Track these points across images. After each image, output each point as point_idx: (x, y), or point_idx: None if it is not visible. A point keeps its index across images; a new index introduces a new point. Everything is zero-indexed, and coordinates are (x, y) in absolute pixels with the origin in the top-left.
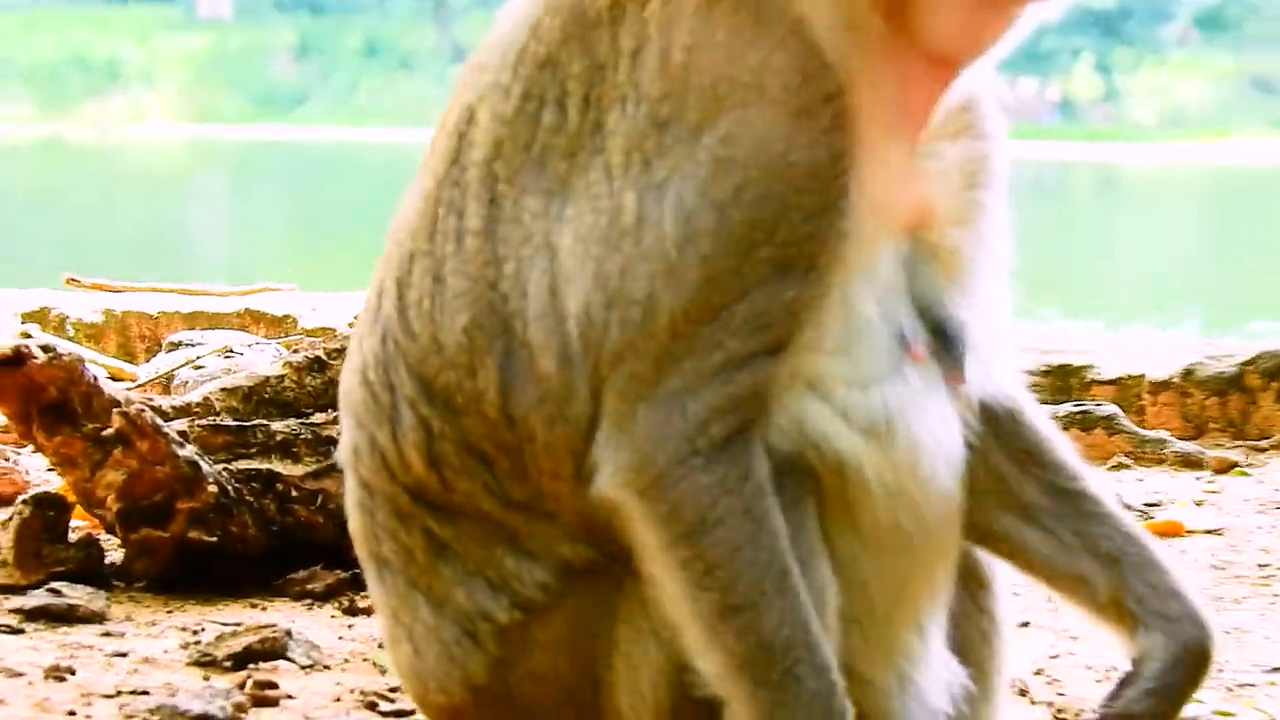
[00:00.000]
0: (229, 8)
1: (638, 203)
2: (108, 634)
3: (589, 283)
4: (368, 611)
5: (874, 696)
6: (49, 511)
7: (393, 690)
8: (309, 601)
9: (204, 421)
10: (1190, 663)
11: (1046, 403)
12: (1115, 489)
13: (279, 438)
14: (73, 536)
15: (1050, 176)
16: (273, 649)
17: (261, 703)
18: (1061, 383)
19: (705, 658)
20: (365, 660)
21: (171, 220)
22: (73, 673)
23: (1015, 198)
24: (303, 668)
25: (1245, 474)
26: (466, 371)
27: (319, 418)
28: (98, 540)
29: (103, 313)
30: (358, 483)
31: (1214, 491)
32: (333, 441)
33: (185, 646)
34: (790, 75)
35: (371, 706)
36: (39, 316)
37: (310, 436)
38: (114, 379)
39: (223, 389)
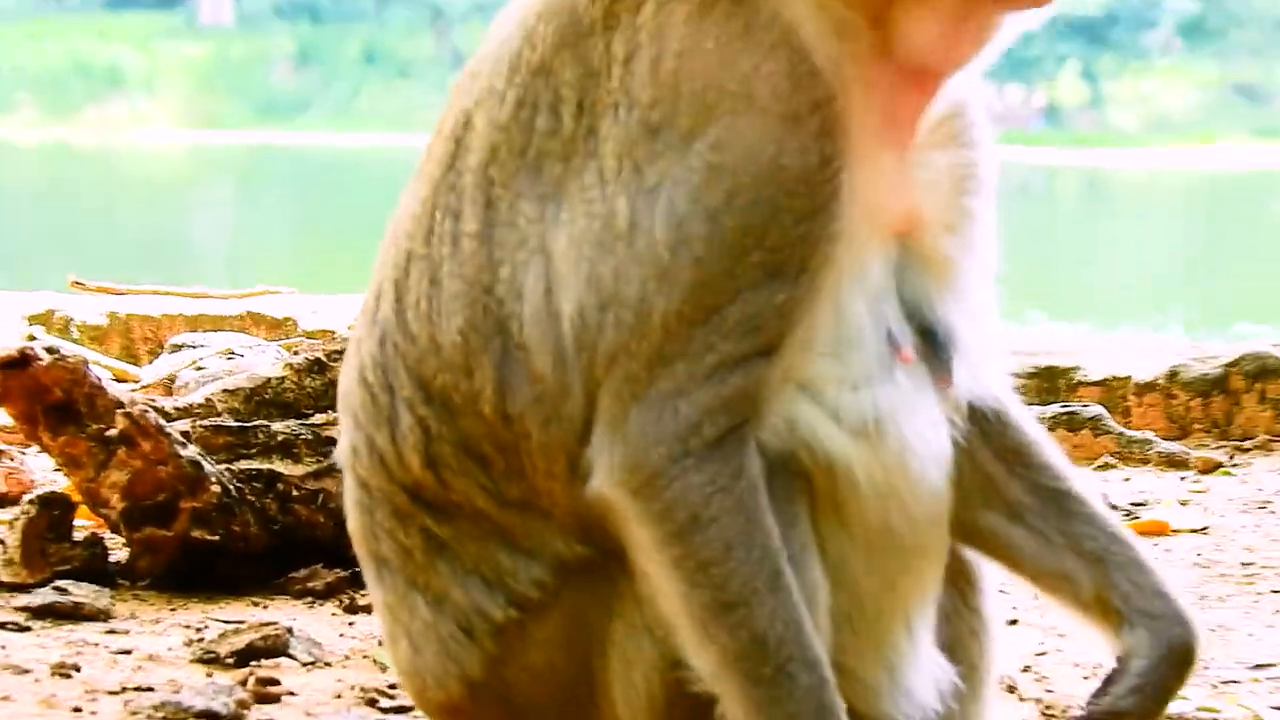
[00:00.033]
0: (230, 16)
1: (630, 207)
2: (112, 631)
3: (583, 285)
4: (367, 609)
5: (864, 693)
6: (54, 511)
7: (392, 687)
8: (310, 599)
9: (206, 422)
10: (1175, 660)
11: (1034, 404)
12: (1101, 489)
13: (280, 438)
14: (78, 535)
15: (1037, 181)
16: (274, 646)
17: (264, 699)
18: (1048, 384)
19: (698, 654)
20: (365, 657)
21: (174, 224)
22: (78, 670)
23: (1003, 202)
24: (304, 665)
25: (1229, 474)
26: (463, 372)
27: (319, 418)
28: (102, 539)
29: (106, 315)
30: (356, 482)
31: (1199, 491)
32: (333, 442)
33: (189, 644)
34: (780, 82)
35: (372, 703)
36: (44, 319)
37: (311, 437)
38: (118, 380)
39: (224, 390)
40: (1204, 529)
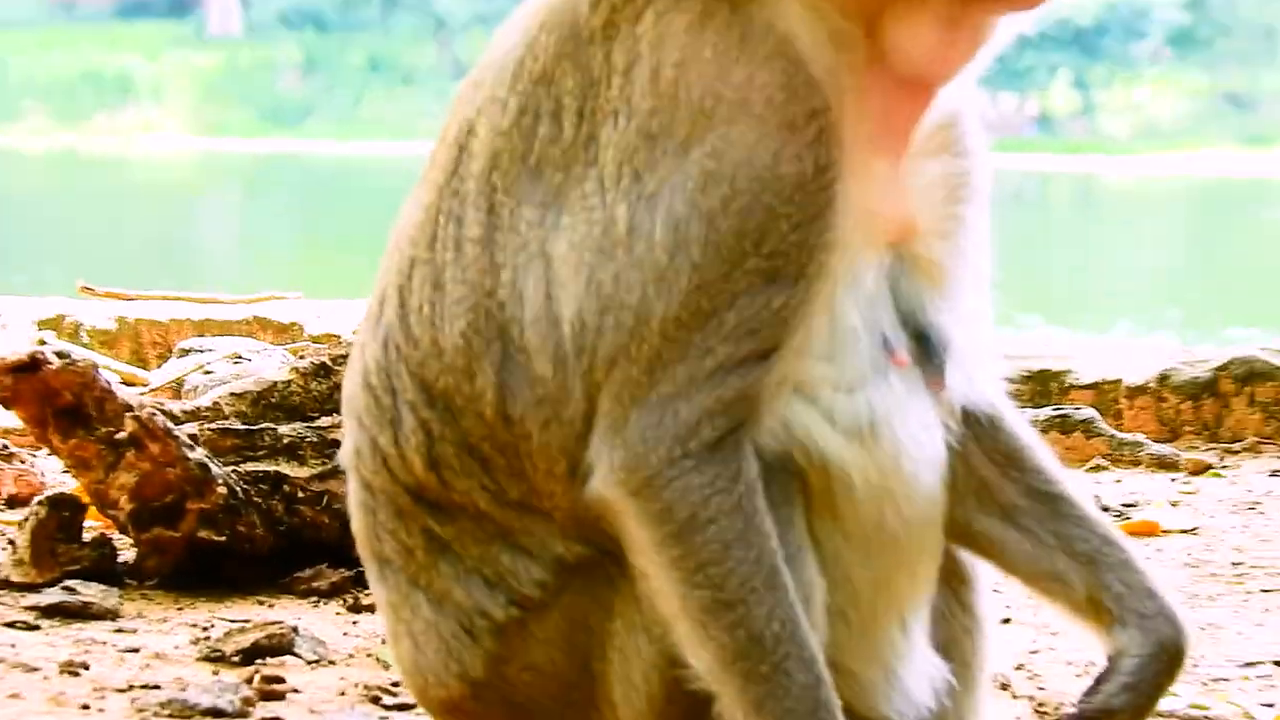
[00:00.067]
0: (238, 25)
1: (629, 213)
2: (120, 630)
3: (583, 290)
4: (371, 608)
5: (860, 691)
6: (64, 512)
7: (395, 685)
8: (314, 599)
9: (213, 425)
10: (1165, 658)
11: (1027, 407)
12: (1093, 490)
13: (286, 441)
14: (87, 536)
15: (1030, 188)
16: (280, 645)
17: (269, 697)
18: (1041, 387)
19: (697, 652)
20: (369, 656)
21: (182, 230)
22: (86, 668)
23: (996, 208)
24: (309, 663)
25: (1219, 475)
26: (465, 375)
27: (324, 421)
28: (111, 540)
29: (115, 320)
30: (360, 483)
31: (1189, 492)
32: (337, 444)
33: (195, 642)
34: (776, 91)
35: (375, 700)
36: (54, 324)
37: (316, 439)
38: (126, 384)
39: (231, 394)
40: (1194, 529)
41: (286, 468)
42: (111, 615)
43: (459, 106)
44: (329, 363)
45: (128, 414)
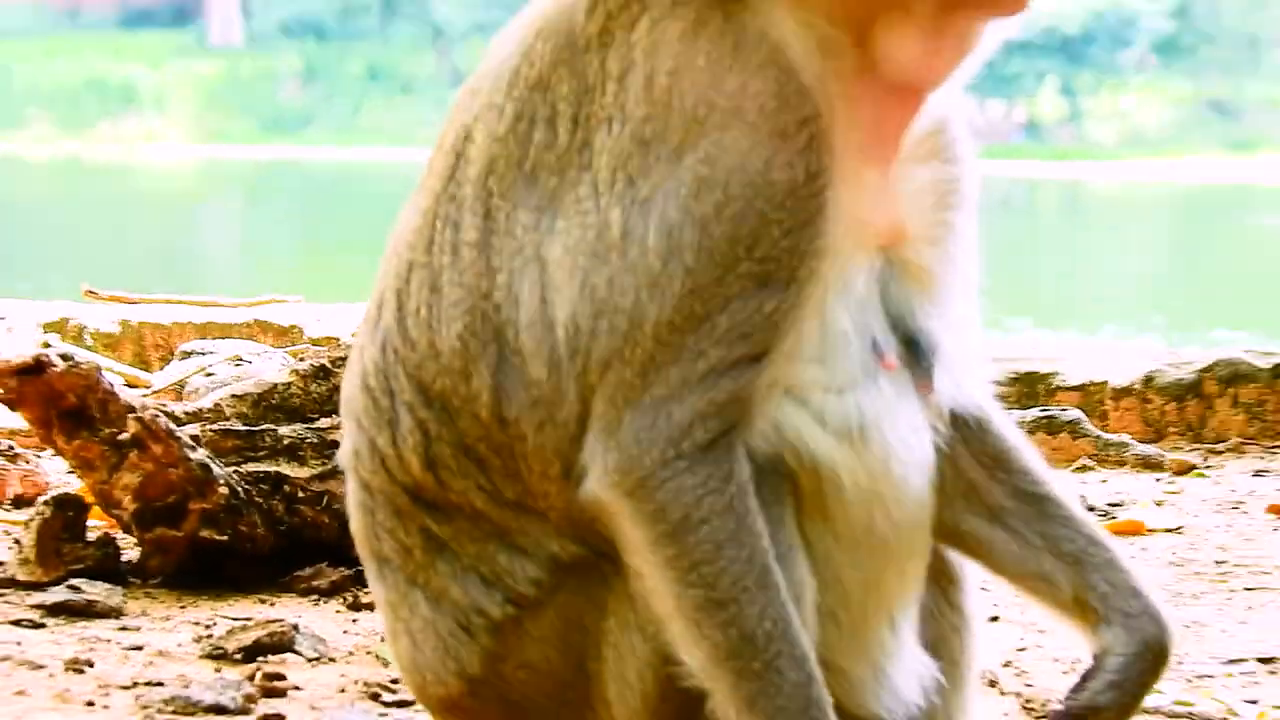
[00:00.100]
0: (240, 35)
1: (623, 218)
2: (124, 628)
3: (577, 293)
4: (370, 607)
5: (850, 688)
6: (68, 512)
7: (395, 682)
8: (315, 597)
9: (215, 426)
10: (1150, 656)
11: (1014, 408)
12: (1079, 490)
13: (286, 442)
14: (91, 535)
15: (1018, 193)
16: (281, 643)
17: (270, 694)
18: (1029, 389)
19: (690, 650)
20: (368, 653)
21: (184, 235)
22: (91, 665)
23: (984, 214)
24: (309, 660)
25: (1203, 475)
26: (462, 376)
27: (324, 423)
28: (115, 539)
29: (119, 323)
30: (359, 483)
31: (1173, 492)
32: (337, 445)
33: (198, 640)
34: (767, 99)
35: (375, 697)
36: (58, 327)
37: (316, 440)
38: (130, 386)
39: (233, 395)
40: (1178, 529)
41: (287, 468)
42: (115, 613)
43: (457, 113)
44: (328, 365)
45: (131, 415)
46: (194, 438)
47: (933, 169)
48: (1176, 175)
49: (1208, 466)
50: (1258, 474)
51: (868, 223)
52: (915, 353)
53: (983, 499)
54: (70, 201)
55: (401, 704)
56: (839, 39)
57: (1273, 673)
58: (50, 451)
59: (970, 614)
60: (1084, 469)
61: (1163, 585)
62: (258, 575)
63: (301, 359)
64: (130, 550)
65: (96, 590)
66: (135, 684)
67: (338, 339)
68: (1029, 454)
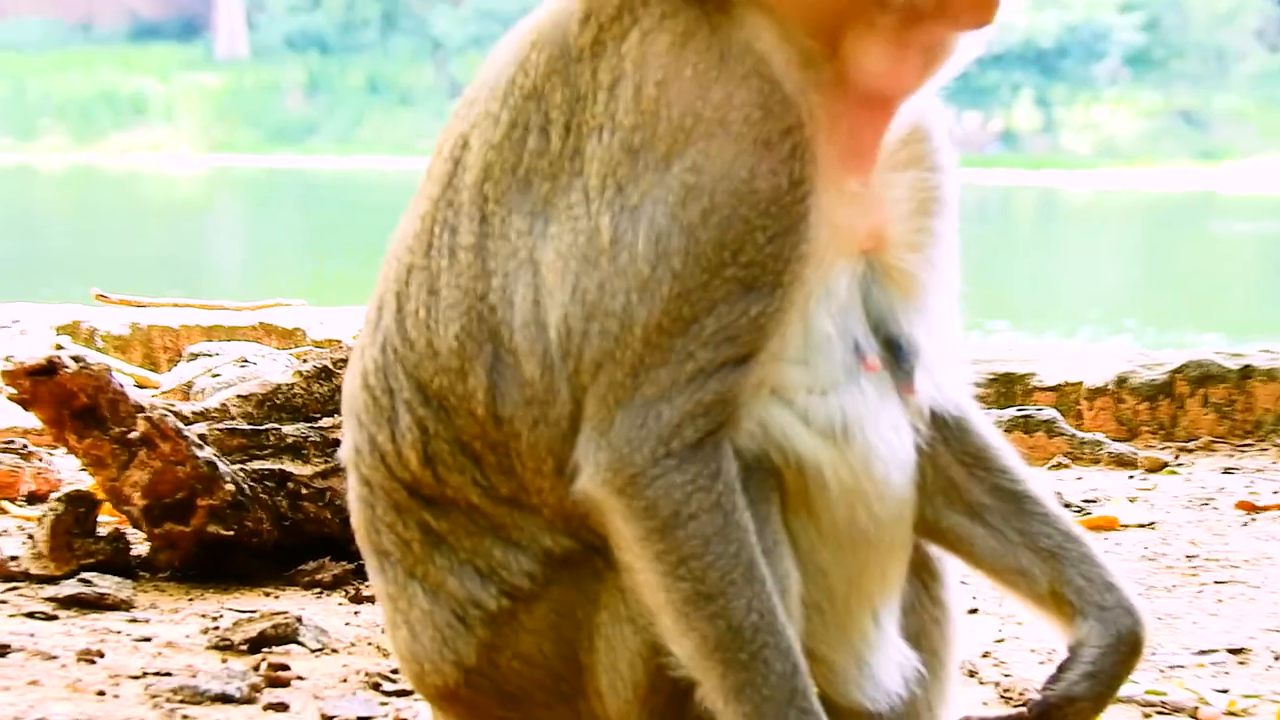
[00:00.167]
0: (245, 48)
1: (613, 224)
2: (134, 620)
3: (569, 296)
4: (371, 599)
5: (834, 678)
6: (80, 508)
7: (395, 672)
8: (318, 590)
9: (221, 425)
10: (1125, 648)
11: (992, 408)
12: (1055, 487)
13: (290, 440)
14: (102, 531)
15: (995, 201)
16: (285, 634)
17: (275, 683)
18: (1006, 389)
19: (679, 642)
20: (370, 644)
21: (191, 241)
22: (102, 656)
23: (963, 221)
24: (312, 651)
25: (1174, 473)
26: (458, 375)
27: (326, 422)
28: (124, 534)
29: (129, 326)
30: (359, 479)
31: (1146, 489)
32: (339, 444)
33: (205, 632)
34: (752, 110)
35: (375, 687)
36: (70, 329)
37: (318, 439)
38: (139, 387)
39: (238, 395)
40: (1151, 524)
41: (290, 466)
42: (125, 606)
43: (454, 122)
44: (330, 366)
45: (140, 415)
46: (201, 436)
47: (913, 176)
48: (1147, 183)
49: (1179, 464)
50: (1227, 471)
51: (849, 229)
52: (896, 355)
53: (962, 496)
54: (82, 209)
55: (402, 693)
56: (817, 50)
57: (1242, 663)
58: (63, 450)
59: (950, 607)
60: (1059, 467)
61: (1136, 579)
62: (263, 569)
63: (304, 360)
64: (140, 545)
65: (107, 583)
66: (144, 674)
67: (339, 341)
68: (1007, 453)
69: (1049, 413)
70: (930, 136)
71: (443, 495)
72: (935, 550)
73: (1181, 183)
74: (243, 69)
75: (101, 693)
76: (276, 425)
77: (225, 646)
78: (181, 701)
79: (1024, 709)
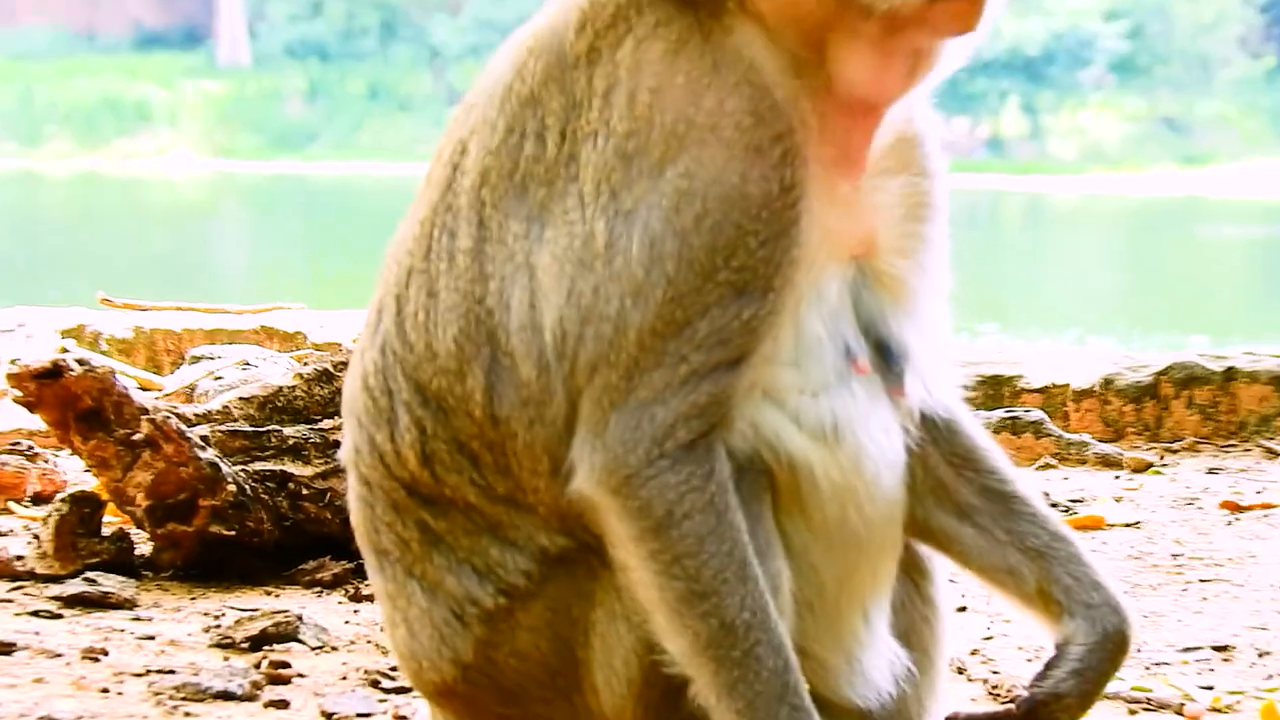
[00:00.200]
0: (247, 56)
1: (608, 229)
2: (137, 619)
3: (564, 300)
4: (371, 598)
5: (825, 675)
6: (84, 508)
7: (394, 669)
8: (318, 589)
9: (223, 427)
10: (1111, 646)
11: (980, 409)
12: (1042, 487)
13: (291, 442)
14: (106, 531)
15: (983, 206)
16: (286, 632)
17: (276, 680)
18: (994, 391)
19: (673, 639)
20: (369, 642)
21: (195, 246)
22: (106, 654)
23: (952, 225)
24: (313, 649)
25: (1160, 473)
26: (456, 377)
27: (327, 424)
28: (128, 534)
29: (133, 329)
30: (359, 479)
31: (1132, 489)
32: (339, 445)
33: (207, 630)
34: (743, 117)
35: (375, 684)
36: (75, 333)
37: (319, 440)
38: (143, 389)
39: (240, 398)
40: (1136, 524)
41: (291, 467)
42: (129, 605)
43: (453, 128)
44: (331, 369)
45: (144, 417)
46: (204, 438)
47: (904, 182)
48: (1132, 188)
49: (1164, 464)
50: (1211, 471)
51: (840, 233)
52: (887, 358)
53: (952, 496)
54: (87, 214)
55: (401, 690)
56: (806, 57)
57: (1226, 660)
58: (68, 451)
59: (940, 605)
60: (1047, 467)
61: (1122, 577)
62: (264, 568)
63: (305, 363)
64: (143, 545)
65: (111, 583)
66: (148, 671)
67: (339, 344)
68: (996, 454)
69: (1036, 414)
70: (921, 142)
71: (441, 495)
72: (925, 549)
73: (1166, 187)
74: (245, 76)
75: (105, 690)
76: (278, 427)
77: (227, 644)
78: (184, 699)
79: (1012, 706)
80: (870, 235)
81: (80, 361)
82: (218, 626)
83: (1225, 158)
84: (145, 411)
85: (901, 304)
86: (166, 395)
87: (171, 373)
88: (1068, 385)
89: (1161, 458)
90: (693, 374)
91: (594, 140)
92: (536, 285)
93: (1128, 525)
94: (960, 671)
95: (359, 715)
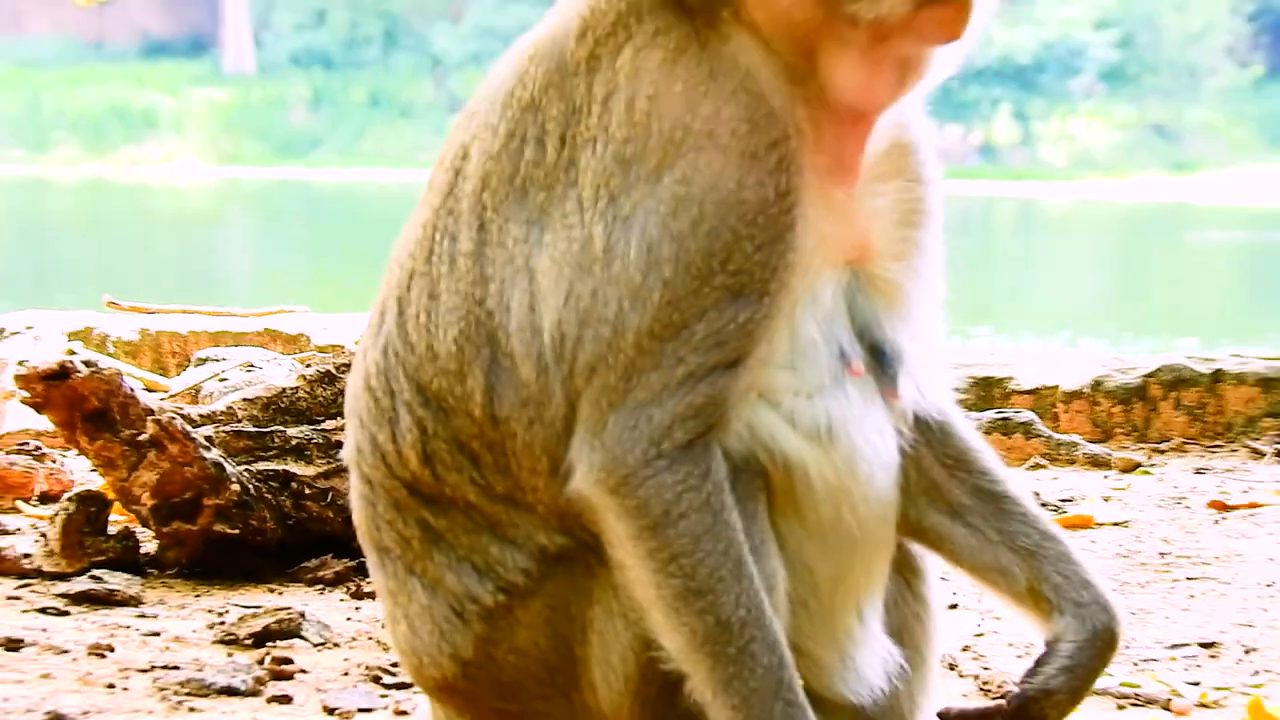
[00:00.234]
0: (252, 64)
1: (606, 233)
2: (143, 616)
3: (563, 302)
4: (372, 595)
5: (819, 672)
6: (91, 507)
7: (395, 665)
8: (320, 587)
9: (227, 428)
10: (1100, 643)
11: (971, 410)
12: (1032, 487)
13: (294, 442)
14: (112, 529)
15: (975, 212)
16: (288, 629)
17: (279, 676)
18: (985, 393)
19: (669, 636)
20: (370, 639)
21: (200, 251)
22: (112, 650)
23: (944, 231)
24: (315, 645)
25: (1148, 473)
26: (457, 378)
27: (329, 424)
28: (134, 533)
29: (139, 332)
30: (360, 478)
31: (1120, 489)
32: (341, 445)
33: (211, 627)
34: (739, 124)
35: (376, 680)
36: (82, 335)
37: (321, 441)
38: (148, 390)
39: (244, 399)
40: (1125, 522)
41: (294, 467)
42: (135, 602)
43: (455, 134)
44: (333, 371)
45: (149, 418)
46: (208, 438)
47: (898, 187)
48: (1122, 194)
49: (1152, 465)
50: (1198, 471)
51: (835, 238)
52: (880, 360)
53: (944, 497)
54: (94, 219)
55: (401, 686)
56: (799, 66)
57: (1213, 656)
58: (74, 451)
59: (932, 603)
60: (1037, 467)
61: (1111, 575)
62: (267, 566)
63: (308, 365)
64: (148, 543)
65: (117, 580)
66: (153, 667)
67: (342, 346)
68: (988, 455)
69: (1027, 415)
70: (915, 149)
71: (441, 493)
72: (917, 548)
73: (1155, 194)
74: (250, 84)
75: (111, 685)
76: (281, 428)
77: (231, 641)
78: (188, 694)
79: (1003, 701)
80: (865, 240)
81: (87, 363)
82: (222, 623)
83: (1213, 165)
84: (151, 412)
85: (895, 308)
86: (172, 396)
87: (177, 374)
88: (1057, 387)
89: (1149, 458)
90: (690, 376)
91: (593, 146)
92: (536, 288)
93: (1116, 524)
94: (952, 668)
95: (360, 710)
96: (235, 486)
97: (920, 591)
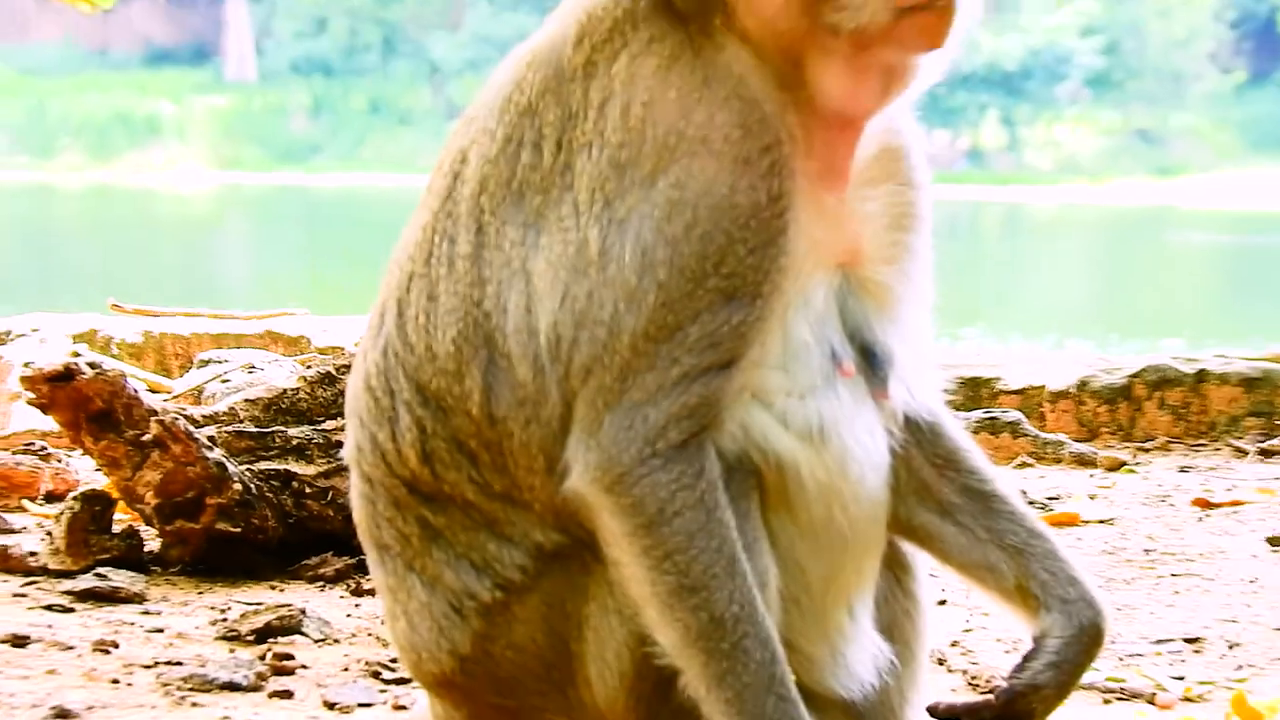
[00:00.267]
0: (253, 71)
1: (601, 236)
2: (147, 613)
3: (559, 304)
4: (371, 592)
5: (810, 668)
6: (95, 506)
7: (394, 661)
8: (321, 584)
9: (230, 428)
10: (1086, 639)
11: (960, 410)
12: (1020, 485)
13: (295, 442)
14: (116, 528)
15: (962, 216)
16: (289, 625)
17: (280, 672)
18: (973, 393)
19: (663, 632)
20: (370, 635)
21: (202, 254)
22: (116, 646)
23: (933, 234)
24: (316, 641)
25: (1133, 471)
26: (455, 377)
27: (329, 425)
28: (138, 531)
29: (142, 334)
30: (361, 477)
31: (1106, 487)
32: (341, 445)
33: (214, 623)
34: (733, 130)
35: (376, 675)
36: (87, 337)
37: (322, 441)
38: (152, 391)
39: (246, 400)
40: (1111, 520)
41: (295, 466)
42: (139, 599)
43: (454, 139)
44: (334, 372)
45: (153, 418)
46: (211, 438)
47: (888, 192)
48: (1107, 198)
49: (1137, 463)
50: (1183, 470)
51: (826, 242)
52: (871, 362)
53: (934, 495)
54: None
55: (400, 681)
56: (790, 73)
57: (1197, 651)
58: (79, 451)
59: (921, 599)
60: (1024, 466)
61: (1096, 572)
62: (268, 564)
63: (308, 367)
64: (152, 541)
65: (121, 578)
66: (156, 663)
67: (342, 348)
68: (976, 454)
69: (1014, 415)
70: (905, 154)
71: (440, 492)
72: (907, 546)
73: (1139, 197)
74: (251, 91)
75: (116, 681)
76: (282, 428)
77: (233, 637)
78: (191, 689)
79: (991, 696)
80: (855, 244)
81: (92, 365)
82: (224, 620)
83: (1196, 169)
84: (154, 413)
85: (886, 310)
86: (175, 397)
87: (180, 376)
88: (1044, 387)
89: (1134, 457)
90: (684, 376)
91: (589, 150)
92: (532, 289)
93: (1102, 522)
94: (941, 663)
95: (360, 705)
96: (237, 486)
97: (910, 588)
